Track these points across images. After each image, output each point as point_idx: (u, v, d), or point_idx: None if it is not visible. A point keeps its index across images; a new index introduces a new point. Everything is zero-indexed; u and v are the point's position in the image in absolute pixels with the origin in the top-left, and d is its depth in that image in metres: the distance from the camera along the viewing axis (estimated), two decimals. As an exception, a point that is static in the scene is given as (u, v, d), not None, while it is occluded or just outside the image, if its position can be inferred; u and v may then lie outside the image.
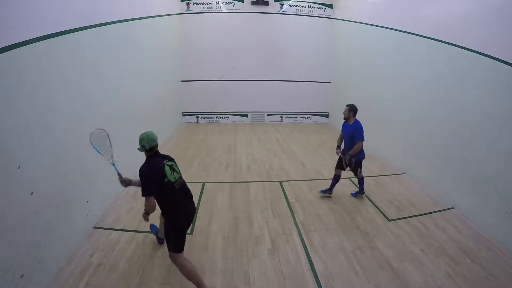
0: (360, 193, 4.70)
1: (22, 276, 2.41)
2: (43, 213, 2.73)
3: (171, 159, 2.73)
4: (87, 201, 3.60)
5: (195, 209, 2.85)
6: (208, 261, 3.17)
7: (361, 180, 4.65)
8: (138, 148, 2.66)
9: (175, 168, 2.69)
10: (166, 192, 2.55)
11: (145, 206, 2.47)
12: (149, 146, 2.60)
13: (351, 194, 4.79)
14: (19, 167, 2.41)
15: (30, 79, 2.60)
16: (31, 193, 2.56)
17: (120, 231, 3.66)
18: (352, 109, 4.41)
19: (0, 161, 2.25)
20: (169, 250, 2.66)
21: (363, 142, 4.36)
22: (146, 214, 2.54)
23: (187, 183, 2.79)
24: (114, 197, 4.45)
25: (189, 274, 2.62)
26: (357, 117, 4.43)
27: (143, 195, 2.45)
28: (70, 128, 3.22)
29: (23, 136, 2.50)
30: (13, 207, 2.37)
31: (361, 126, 4.35)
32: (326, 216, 4.14)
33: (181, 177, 2.72)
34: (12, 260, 2.34)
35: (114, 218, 3.97)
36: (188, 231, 3.71)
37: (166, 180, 2.54)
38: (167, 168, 2.59)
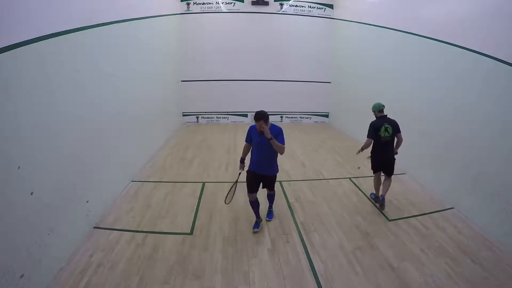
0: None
1: (22, 276, 2.41)
2: (43, 213, 2.73)
3: (391, 124, 4.25)
4: (87, 201, 3.60)
5: (391, 159, 4.37)
6: (208, 261, 3.17)
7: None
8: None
9: (388, 130, 4.21)
10: (377, 140, 4.25)
11: (365, 143, 4.26)
12: (374, 110, 4.37)
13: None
14: (19, 167, 2.41)
15: (30, 79, 2.60)
16: (31, 193, 2.56)
17: (120, 231, 3.66)
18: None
19: (0, 161, 2.26)
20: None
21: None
22: (361, 150, 4.31)
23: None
24: (114, 197, 4.44)
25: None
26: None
27: (367, 137, 4.29)
28: (70, 128, 3.22)
29: (23, 136, 2.50)
30: (13, 207, 2.37)
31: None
32: (326, 216, 4.14)
33: (389, 136, 4.23)
34: (12, 260, 2.34)
35: (114, 218, 3.97)
36: (188, 231, 3.77)
37: (379, 133, 4.19)
38: (383, 128, 4.19)
